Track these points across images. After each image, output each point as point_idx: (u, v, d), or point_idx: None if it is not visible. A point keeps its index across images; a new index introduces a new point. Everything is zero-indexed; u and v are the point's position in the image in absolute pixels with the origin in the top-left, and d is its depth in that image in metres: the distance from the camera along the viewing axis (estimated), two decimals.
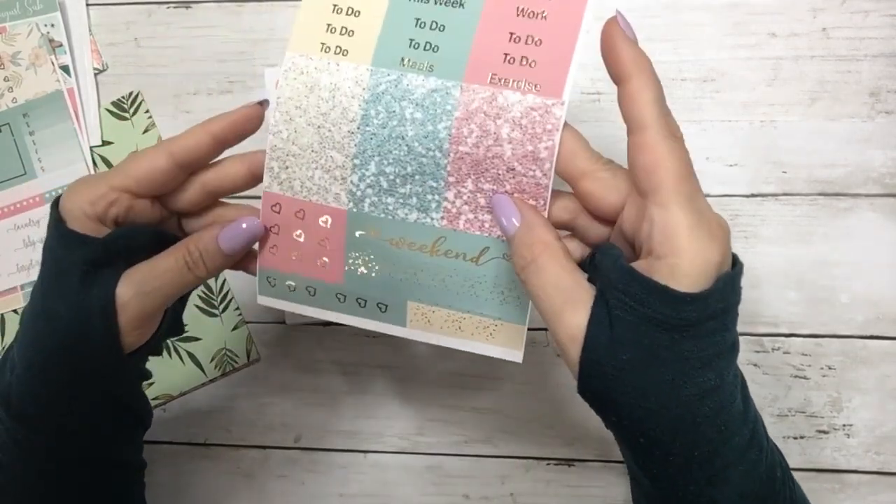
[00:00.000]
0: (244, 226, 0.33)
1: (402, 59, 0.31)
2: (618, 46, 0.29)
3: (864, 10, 0.48)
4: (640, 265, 0.27)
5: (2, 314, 0.51)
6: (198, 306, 0.50)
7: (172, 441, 0.50)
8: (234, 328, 0.50)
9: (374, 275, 0.33)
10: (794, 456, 0.47)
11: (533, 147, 0.30)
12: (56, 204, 0.32)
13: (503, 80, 0.30)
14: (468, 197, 0.31)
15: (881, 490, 0.46)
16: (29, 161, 0.53)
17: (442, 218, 0.32)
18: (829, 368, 0.47)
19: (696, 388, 0.26)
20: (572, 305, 0.28)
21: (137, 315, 0.31)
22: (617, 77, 0.29)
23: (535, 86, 0.30)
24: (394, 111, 0.31)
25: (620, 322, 0.26)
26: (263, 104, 0.34)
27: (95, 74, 0.53)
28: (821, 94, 0.48)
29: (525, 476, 0.48)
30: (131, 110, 0.53)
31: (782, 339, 0.48)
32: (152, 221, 0.34)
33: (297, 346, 0.50)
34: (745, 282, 0.48)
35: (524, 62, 0.30)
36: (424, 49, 0.31)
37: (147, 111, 0.53)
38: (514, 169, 0.30)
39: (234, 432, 0.50)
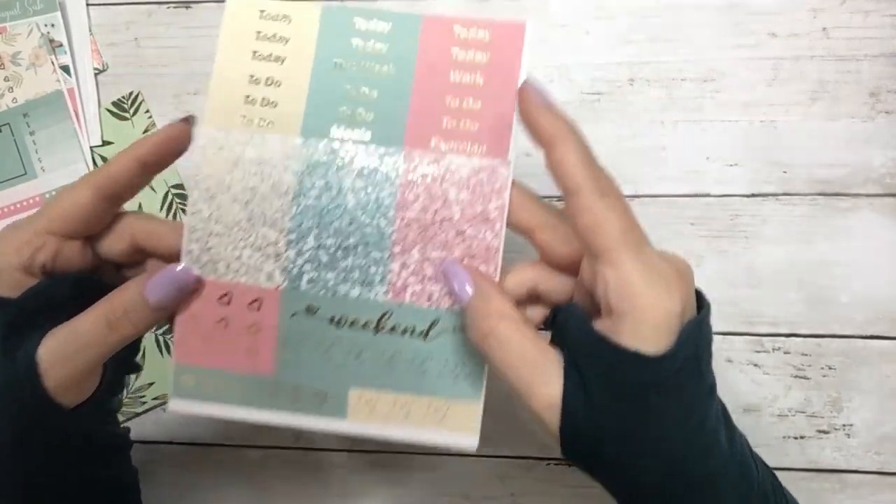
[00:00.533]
0: (172, 275, 0.30)
1: (335, 128, 0.31)
2: (534, 116, 0.29)
3: (864, 10, 0.48)
4: (604, 325, 0.27)
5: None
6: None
7: (172, 441, 0.50)
8: None
9: (309, 361, 0.31)
10: (794, 456, 0.47)
11: (483, 207, 0.30)
12: None
13: (446, 144, 0.30)
14: (415, 267, 0.30)
15: (881, 490, 0.46)
16: (29, 161, 0.53)
17: (387, 291, 0.30)
18: (829, 368, 0.47)
19: (680, 439, 0.26)
20: (542, 377, 0.27)
21: (64, 379, 0.28)
22: (540, 145, 0.29)
23: (480, 147, 0.30)
24: (331, 182, 0.30)
25: (595, 387, 0.26)
26: (188, 120, 0.32)
27: (95, 74, 0.53)
28: (821, 94, 0.48)
29: (525, 476, 0.48)
30: (131, 110, 0.53)
31: (782, 339, 0.48)
32: (85, 267, 0.31)
33: None
34: (745, 281, 0.48)
35: (465, 124, 0.30)
36: (358, 116, 0.31)
37: (147, 111, 0.53)
38: (463, 232, 0.30)
39: (234, 432, 0.50)
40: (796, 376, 0.47)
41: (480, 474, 0.49)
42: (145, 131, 0.52)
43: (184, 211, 0.52)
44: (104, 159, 0.52)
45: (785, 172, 0.48)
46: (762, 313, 0.48)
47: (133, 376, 0.49)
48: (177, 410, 0.31)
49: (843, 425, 0.47)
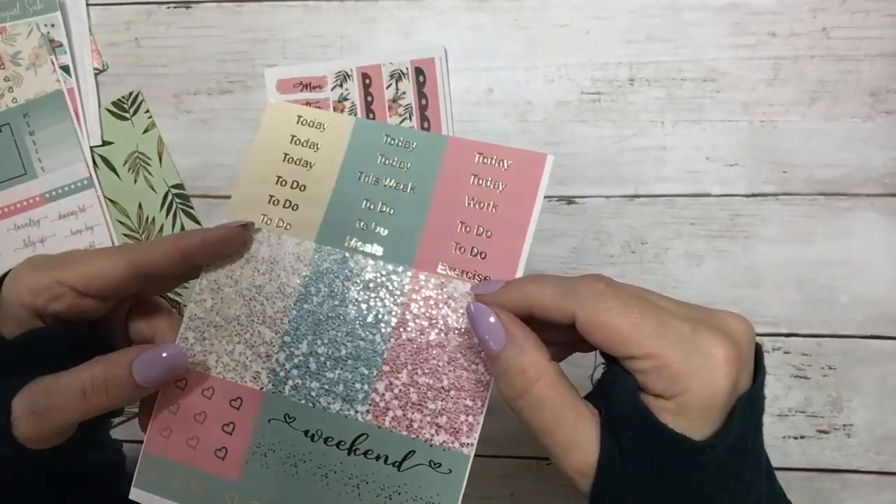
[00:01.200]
0: (164, 354, 0.29)
1: (349, 239, 0.31)
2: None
3: (864, 10, 0.48)
4: (648, 400, 0.25)
5: None
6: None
7: None
8: None
9: (277, 473, 0.29)
10: (794, 456, 0.47)
11: (460, 341, 0.29)
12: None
13: (453, 270, 0.30)
14: (400, 390, 0.29)
15: (882, 490, 0.46)
16: (29, 161, 0.53)
17: (367, 412, 0.29)
18: (829, 368, 0.47)
19: None
20: (578, 442, 0.26)
21: (36, 433, 0.27)
22: (522, 315, 0.28)
23: (486, 278, 0.30)
24: (336, 291, 0.30)
25: (633, 461, 0.25)
26: (248, 226, 0.31)
27: (95, 74, 0.53)
28: (821, 94, 0.48)
29: (525, 476, 0.48)
30: (131, 110, 0.53)
31: (782, 339, 0.48)
32: (96, 316, 0.30)
33: None
34: (745, 282, 0.48)
35: (475, 253, 0.30)
36: (373, 230, 0.31)
37: (147, 111, 0.53)
38: (456, 360, 0.29)
39: None
40: (796, 376, 0.47)
41: (480, 474, 0.49)
42: (145, 131, 0.52)
43: (184, 211, 0.52)
44: (104, 159, 0.52)
45: (785, 172, 0.48)
46: (762, 313, 0.48)
47: None
48: (136, 500, 0.30)
49: (844, 425, 0.47)
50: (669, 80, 0.49)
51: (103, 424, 0.34)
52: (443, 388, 0.29)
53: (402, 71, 0.50)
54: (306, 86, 0.51)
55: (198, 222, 0.52)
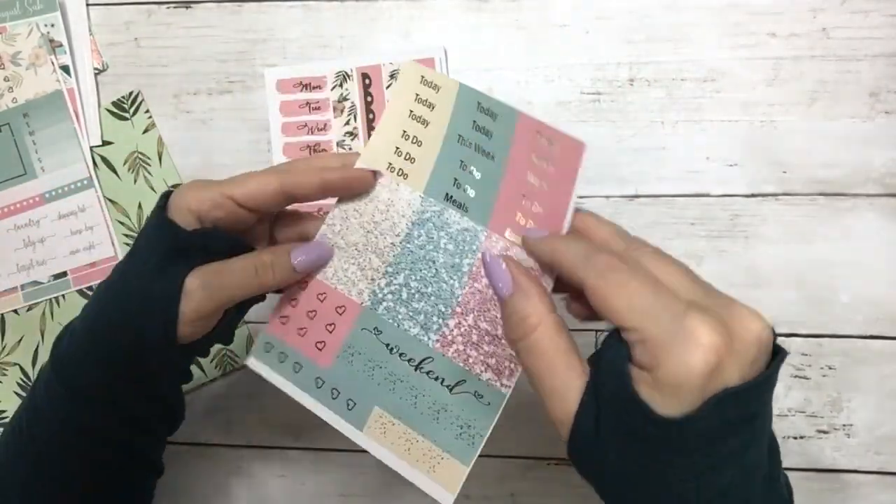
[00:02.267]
0: (317, 249, 0.36)
1: (447, 195, 0.36)
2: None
3: (864, 10, 0.48)
4: (633, 371, 0.26)
5: (2, 314, 0.51)
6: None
7: (172, 441, 0.50)
8: None
9: (359, 370, 0.36)
10: (793, 456, 0.47)
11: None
12: (165, 195, 0.35)
13: (515, 237, 0.34)
14: (465, 329, 0.35)
15: (881, 490, 0.46)
16: (29, 161, 0.53)
17: (437, 340, 0.35)
18: (829, 368, 0.47)
19: (686, 490, 0.26)
20: (563, 392, 0.28)
21: (197, 307, 0.33)
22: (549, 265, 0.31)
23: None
24: (432, 237, 0.36)
25: (607, 422, 0.26)
26: (376, 174, 0.37)
27: (95, 74, 0.53)
28: (821, 94, 0.48)
29: (525, 476, 0.48)
30: (131, 110, 0.53)
31: (782, 339, 0.48)
32: (247, 227, 0.36)
33: None
34: (745, 282, 0.48)
35: (530, 223, 0.34)
36: (464, 190, 0.36)
37: (147, 111, 0.53)
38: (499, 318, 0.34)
39: (234, 432, 0.50)
40: (796, 376, 0.47)
41: (480, 474, 0.49)
42: (145, 131, 0.52)
43: None
44: (104, 159, 0.52)
45: (785, 172, 0.48)
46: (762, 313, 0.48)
47: None
48: (252, 367, 0.37)
49: (843, 425, 0.47)
50: (669, 80, 0.49)
51: (241, 314, 0.39)
52: (497, 336, 0.34)
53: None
54: (306, 86, 0.51)
55: None
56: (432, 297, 0.35)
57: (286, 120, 0.51)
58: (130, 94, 0.53)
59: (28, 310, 0.51)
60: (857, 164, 0.48)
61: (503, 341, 0.34)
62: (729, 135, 0.49)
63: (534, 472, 0.48)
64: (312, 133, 0.50)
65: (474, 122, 0.35)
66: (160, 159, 0.52)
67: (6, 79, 0.53)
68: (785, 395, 0.47)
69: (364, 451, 0.50)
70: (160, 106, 0.53)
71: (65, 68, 0.53)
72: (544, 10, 0.51)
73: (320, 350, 0.36)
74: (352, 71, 0.50)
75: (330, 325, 0.37)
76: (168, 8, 0.53)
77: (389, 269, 0.36)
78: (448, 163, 0.36)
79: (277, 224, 0.38)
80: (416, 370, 0.35)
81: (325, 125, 0.50)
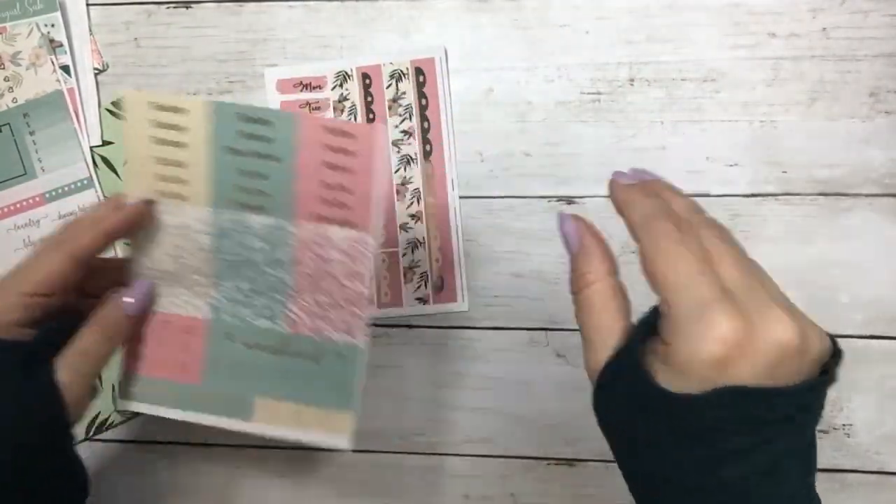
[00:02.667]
0: (139, 288, 0.37)
1: (237, 202, 0.37)
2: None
3: (863, 10, 0.48)
4: (656, 342, 0.27)
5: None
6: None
7: (172, 441, 0.50)
8: None
9: (228, 375, 0.39)
10: None
11: (356, 268, 0.38)
12: None
13: (326, 219, 0.37)
14: (307, 307, 0.38)
15: (881, 490, 0.46)
16: (29, 161, 0.53)
17: (287, 325, 0.39)
18: None
19: (691, 483, 0.26)
20: (599, 346, 0.29)
21: (80, 393, 0.35)
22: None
23: (350, 223, 0.37)
24: (242, 242, 0.38)
25: (620, 385, 0.28)
26: (151, 202, 0.38)
27: (95, 74, 0.53)
28: (821, 94, 0.48)
29: (525, 476, 0.48)
30: None
31: None
32: (62, 302, 0.36)
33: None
34: None
35: (338, 205, 0.37)
36: (253, 194, 0.37)
37: None
38: (344, 285, 0.38)
39: (233, 432, 0.50)
40: None
41: (480, 474, 0.49)
42: None
43: None
44: (104, 159, 0.52)
45: (785, 172, 0.48)
46: None
47: None
48: (125, 409, 0.39)
49: (843, 425, 0.47)
50: (669, 81, 0.49)
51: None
52: (337, 302, 0.38)
53: (402, 71, 0.50)
54: (306, 86, 0.51)
55: None
56: (267, 292, 0.38)
57: None
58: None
59: None
60: (857, 164, 0.48)
61: (343, 304, 0.38)
62: (729, 135, 0.49)
63: (534, 472, 0.48)
64: None
65: (241, 131, 0.36)
66: None
67: (6, 79, 0.53)
68: None
69: (364, 452, 0.50)
70: None
71: (65, 68, 0.53)
72: (544, 10, 0.51)
73: (185, 371, 0.39)
74: (352, 71, 0.50)
75: (184, 346, 0.39)
76: (168, 8, 0.53)
77: (216, 281, 0.38)
78: (226, 174, 0.37)
79: (87, 282, 0.38)
80: (278, 356, 0.39)
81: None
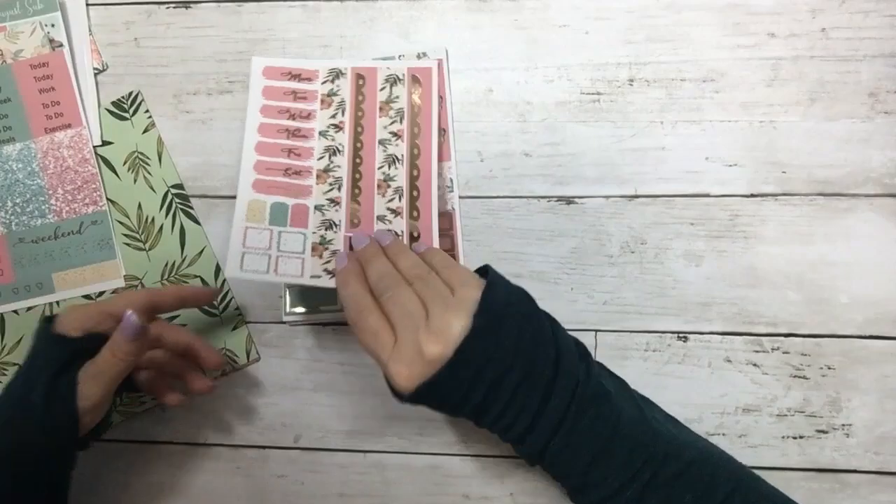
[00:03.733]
0: (129, 320, 0.40)
1: None
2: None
3: (863, 10, 0.48)
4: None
5: (2, 314, 0.51)
6: (198, 307, 0.50)
7: (172, 441, 0.50)
8: (234, 328, 0.50)
9: (31, 266, 0.51)
10: (793, 456, 0.47)
11: (81, 154, 0.51)
12: (50, 318, 0.42)
13: (52, 129, 0.51)
14: (62, 197, 0.51)
15: (881, 490, 0.46)
16: None
17: (54, 215, 0.51)
18: (829, 368, 0.47)
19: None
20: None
21: (93, 399, 0.40)
22: None
23: (68, 124, 0.51)
24: (6, 169, 0.51)
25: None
26: (220, 290, 0.51)
27: (95, 74, 0.53)
28: (820, 94, 0.48)
29: (525, 476, 0.48)
30: (131, 110, 0.53)
31: (782, 339, 0.48)
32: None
33: (296, 346, 0.50)
34: (744, 281, 0.48)
35: (55, 115, 0.52)
36: (3, 130, 0.52)
37: (147, 111, 0.53)
38: (76, 169, 0.51)
39: (234, 432, 0.50)
40: (796, 376, 0.47)
41: (480, 474, 0.49)
42: (145, 131, 0.52)
43: (183, 211, 0.52)
44: (104, 159, 0.52)
45: (784, 172, 0.48)
46: (762, 313, 0.48)
47: None
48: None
49: (843, 425, 0.47)
50: (669, 81, 0.49)
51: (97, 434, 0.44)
52: (79, 186, 0.51)
53: (398, 76, 0.50)
54: (296, 76, 0.50)
55: (197, 222, 0.52)
56: (32, 198, 0.51)
57: (268, 102, 0.49)
58: (130, 94, 0.53)
59: (28, 310, 0.51)
60: (857, 164, 0.48)
61: (83, 185, 0.51)
62: (729, 135, 0.49)
63: (534, 472, 0.48)
64: (294, 119, 0.49)
65: None
66: (160, 159, 0.52)
67: None
68: (785, 395, 0.47)
69: (363, 451, 0.50)
70: (160, 106, 0.53)
71: None
72: (544, 10, 0.51)
73: (2, 275, 0.51)
74: (346, 69, 0.50)
75: None
76: (168, 8, 0.53)
77: (1, 205, 0.51)
78: None
79: None
80: (56, 240, 0.51)
81: (310, 114, 0.49)
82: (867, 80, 0.48)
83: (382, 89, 0.50)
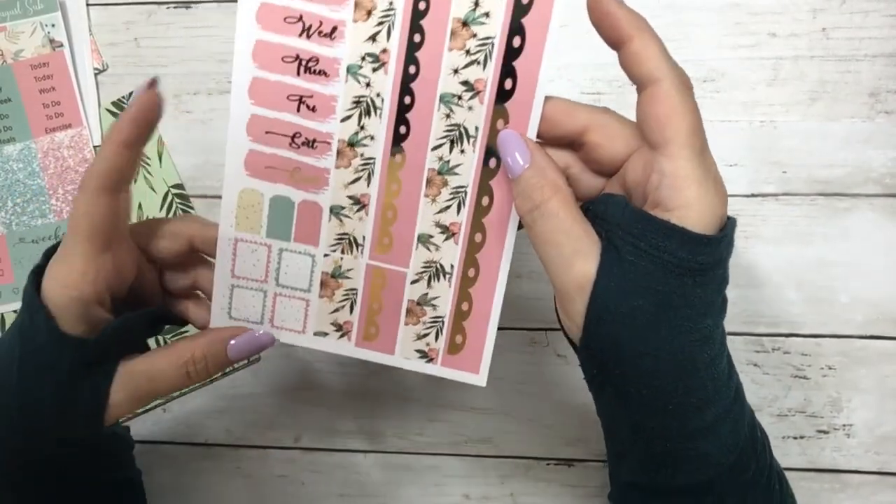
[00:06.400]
0: (257, 336, 0.32)
1: None
2: (610, 11, 0.29)
3: (864, 10, 0.48)
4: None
5: (2, 314, 0.51)
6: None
7: (172, 441, 0.50)
8: None
9: (32, 266, 0.31)
10: (793, 456, 0.47)
11: (81, 154, 0.51)
12: (37, 286, 0.29)
13: (52, 129, 0.51)
14: (63, 198, 0.51)
15: (881, 490, 0.46)
16: None
17: (55, 216, 0.51)
18: (829, 368, 0.47)
19: (698, 335, 0.27)
20: (582, 254, 0.27)
21: (125, 413, 0.31)
22: (616, 41, 0.30)
23: (68, 124, 0.51)
24: (7, 169, 0.51)
25: (633, 268, 0.26)
26: (154, 83, 0.29)
27: (95, 74, 0.53)
28: (821, 94, 0.48)
29: (525, 476, 0.48)
30: None
31: (782, 339, 0.48)
32: (137, 276, 0.32)
33: (296, 345, 0.50)
34: (744, 281, 0.48)
35: (56, 115, 0.51)
36: (3, 131, 0.51)
37: None
38: (77, 171, 0.51)
39: (234, 432, 0.50)
40: (796, 376, 0.47)
41: (480, 474, 0.49)
42: None
43: (184, 211, 0.52)
44: None
45: (785, 172, 0.48)
46: (762, 313, 0.48)
47: None
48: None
49: (843, 425, 0.47)
50: None
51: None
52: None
53: None
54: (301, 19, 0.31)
55: None
56: (33, 198, 0.51)
57: (262, 36, 0.32)
58: (130, 94, 0.53)
59: None
60: (857, 164, 0.48)
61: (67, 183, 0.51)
62: (729, 135, 0.49)
63: (534, 472, 0.48)
64: (310, 37, 0.30)
65: None
66: (160, 159, 0.52)
67: None
68: (785, 395, 0.47)
69: (363, 451, 0.50)
70: None
71: None
72: None
73: (2, 274, 0.51)
74: None
75: None
76: (168, 8, 0.53)
77: (1, 205, 0.51)
78: None
79: (170, 274, 0.34)
80: (56, 239, 0.50)
81: (335, 29, 0.30)
82: (868, 79, 0.48)
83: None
